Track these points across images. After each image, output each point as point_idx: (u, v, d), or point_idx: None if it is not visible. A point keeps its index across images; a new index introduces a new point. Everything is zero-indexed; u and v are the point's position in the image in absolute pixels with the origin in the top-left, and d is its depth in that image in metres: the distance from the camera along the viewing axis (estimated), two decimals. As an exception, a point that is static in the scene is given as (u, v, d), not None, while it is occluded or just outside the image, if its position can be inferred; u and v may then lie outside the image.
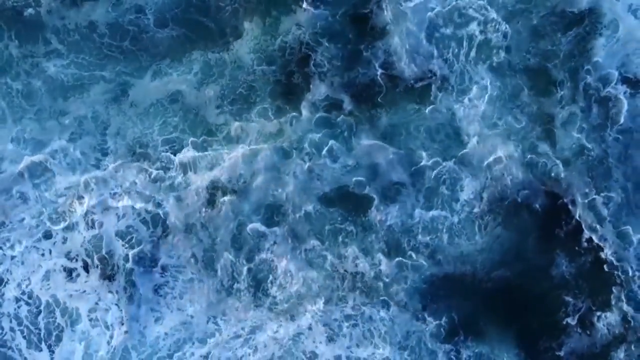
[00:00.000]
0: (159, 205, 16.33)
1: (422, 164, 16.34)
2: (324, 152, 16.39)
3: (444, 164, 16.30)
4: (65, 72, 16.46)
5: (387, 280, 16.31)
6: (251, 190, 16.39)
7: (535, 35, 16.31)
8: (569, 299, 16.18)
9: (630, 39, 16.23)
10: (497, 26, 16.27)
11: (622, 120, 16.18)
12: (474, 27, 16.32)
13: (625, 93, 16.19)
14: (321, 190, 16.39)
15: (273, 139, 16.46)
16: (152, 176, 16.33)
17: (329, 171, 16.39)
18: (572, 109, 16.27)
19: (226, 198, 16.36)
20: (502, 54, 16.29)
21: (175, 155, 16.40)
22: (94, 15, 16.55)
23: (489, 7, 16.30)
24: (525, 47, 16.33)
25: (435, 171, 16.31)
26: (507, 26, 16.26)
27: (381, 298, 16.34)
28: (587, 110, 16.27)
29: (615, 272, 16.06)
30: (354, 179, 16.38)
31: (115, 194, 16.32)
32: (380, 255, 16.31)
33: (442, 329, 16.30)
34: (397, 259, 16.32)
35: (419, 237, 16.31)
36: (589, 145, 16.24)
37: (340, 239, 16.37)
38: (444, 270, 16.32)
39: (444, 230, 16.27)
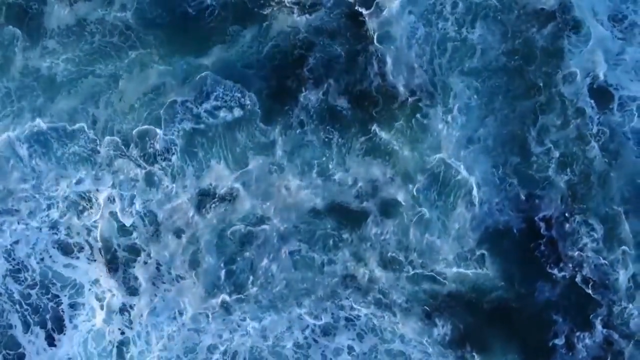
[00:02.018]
0: (148, 203, 16.73)
1: (417, 187, 16.36)
2: (315, 168, 16.52)
3: (434, 192, 16.33)
4: (57, 69, 16.75)
5: (384, 287, 16.55)
6: (240, 199, 16.62)
7: (508, 37, 16.06)
8: (559, 319, 16.28)
9: (598, 46, 15.89)
10: (472, 28, 16.11)
11: (596, 135, 15.91)
12: (454, 31, 16.17)
13: (593, 108, 15.92)
14: (314, 204, 16.58)
15: (264, 150, 16.63)
16: (143, 175, 16.70)
17: (322, 186, 16.54)
18: (547, 120, 16.02)
19: (214, 205, 16.65)
20: (476, 58, 16.09)
21: (164, 159, 16.68)
22: (84, 13, 16.82)
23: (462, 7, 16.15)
24: (499, 51, 16.08)
25: (429, 197, 16.39)
26: (481, 28, 16.08)
27: (380, 300, 16.56)
28: (563, 123, 15.98)
29: (596, 297, 16.13)
30: (352, 192, 16.51)
31: (105, 190, 16.76)
32: (374, 264, 16.52)
33: (446, 337, 16.48)
34: (393, 270, 16.49)
35: (415, 254, 16.42)
36: (566, 164, 16.05)
37: (331, 243, 16.57)
38: (445, 288, 16.46)
39: (440, 254, 16.38)
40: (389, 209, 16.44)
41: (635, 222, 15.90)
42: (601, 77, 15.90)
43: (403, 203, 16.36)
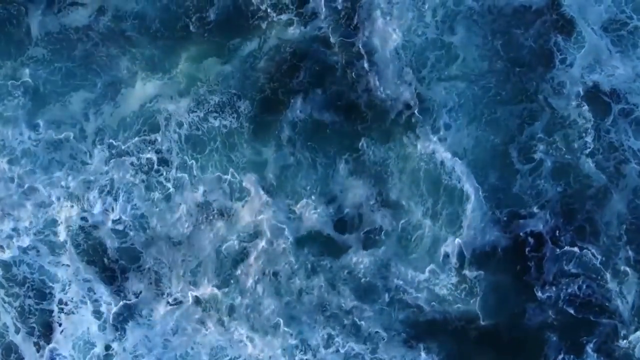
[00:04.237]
0: (142, 216, 16.83)
1: (406, 217, 16.01)
2: (303, 199, 16.38)
3: (425, 220, 15.94)
4: (48, 79, 16.93)
5: (363, 316, 16.25)
6: (233, 217, 16.62)
7: (496, 43, 15.65)
8: (551, 345, 15.63)
9: (591, 50, 15.27)
10: (453, 34, 15.72)
11: (592, 151, 15.19)
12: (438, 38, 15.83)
13: (586, 119, 15.24)
14: (298, 230, 16.44)
15: (257, 167, 16.57)
16: (137, 183, 16.83)
17: (309, 212, 16.37)
18: (538, 133, 15.49)
19: (209, 219, 16.67)
20: (462, 68, 15.74)
21: (158, 170, 16.77)
22: (79, 22, 16.99)
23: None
24: (486, 59, 15.69)
25: (418, 227, 15.99)
26: (465, 33, 15.71)
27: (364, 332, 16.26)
28: (554, 136, 15.45)
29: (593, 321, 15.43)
30: (335, 220, 16.30)
31: (99, 196, 16.90)
32: (349, 293, 16.25)
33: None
34: (371, 299, 16.20)
35: (396, 281, 16.07)
36: (558, 181, 15.41)
37: (311, 267, 16.37)
38: (429, 316, 16.04)
39: (423, 286, 15.95)
40: (373, 236, 16.14)
41: (635, 244, 15.07)
42: (597, 87, 15.20)
43: (390, 230, 16.05)
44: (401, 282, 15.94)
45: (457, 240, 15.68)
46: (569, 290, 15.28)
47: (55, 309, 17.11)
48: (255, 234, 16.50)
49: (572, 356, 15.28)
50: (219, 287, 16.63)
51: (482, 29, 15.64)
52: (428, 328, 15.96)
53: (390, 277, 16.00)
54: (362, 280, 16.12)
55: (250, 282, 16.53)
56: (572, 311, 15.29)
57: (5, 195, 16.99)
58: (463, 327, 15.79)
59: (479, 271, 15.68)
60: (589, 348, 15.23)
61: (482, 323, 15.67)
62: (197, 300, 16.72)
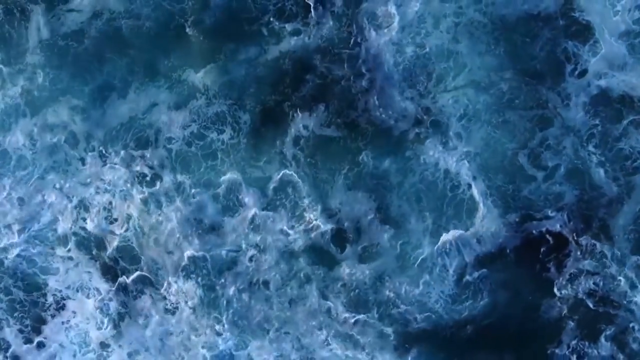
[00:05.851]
0: (137, 226, 16.74)
1: (410, 235, 15.92)
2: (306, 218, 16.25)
3: (432, 225, 15.84)
4: (44, 85, 16.84)
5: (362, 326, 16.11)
6: (224, 231, 16.53)
7: (502, 50, 15.64)
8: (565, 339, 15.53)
9: (607, 55, 15.26)
10: (458, 43, 15.71)
11: (603, 161, 15.23)
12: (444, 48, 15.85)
13: (597, 125, 15.27)
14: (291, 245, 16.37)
15: (255, 181, 16.45)
16: (135, 190, 16.77)
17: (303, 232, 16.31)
18: (548, 141, 15.45)
19: (204, 229, 16.55)
20: (469, 76, 15.69)
21: (148, 185, 16.71)
22: (77, 28, 16.89)
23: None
24: (493, 66, 15.68)
25: (422, 233, 15.91)
26: (470, 41, 15.69)
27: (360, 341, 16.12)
28: (565, 144, 15.44)
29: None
30: (333, 233, 16.21)
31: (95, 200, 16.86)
32: (346, 303, 16.12)
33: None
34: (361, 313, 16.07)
35: (387, 293, 15.96)
36: (570, 185, 15.43)
37: (302, 277, 16.26)
38: (419, 326, 15.93)
39: (421, 295, 15.85)
40: (370, 251, 16.04)
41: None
42: (610, 93, 15.18)
43: (387, 244, 15.95)
44: (393, 294, 15.84)
45: (463, 245, 15.68)
46: (585, 288, 15.34)
47: (50, 302, 16.89)
48: (251, 245, 16.37)
49: (586, 342, 15.27)
50: (212, 293, 16.51)
51: (489, 36, 15.69)
52: (427, 333, 15.86)
53: (383, 290, 15.90)
54: (357, 292, 16.01)
55: (242, 290, 16.40)
56: (590, 304, 15.33)
57: (3, 196, 16.92)
58: (467, 327, 15.74)
59: (483, 269, 15.64)
60: (603, 338, 15.27)
61: (490, 320, 15.63)
62: (191, 306, 16.56)
